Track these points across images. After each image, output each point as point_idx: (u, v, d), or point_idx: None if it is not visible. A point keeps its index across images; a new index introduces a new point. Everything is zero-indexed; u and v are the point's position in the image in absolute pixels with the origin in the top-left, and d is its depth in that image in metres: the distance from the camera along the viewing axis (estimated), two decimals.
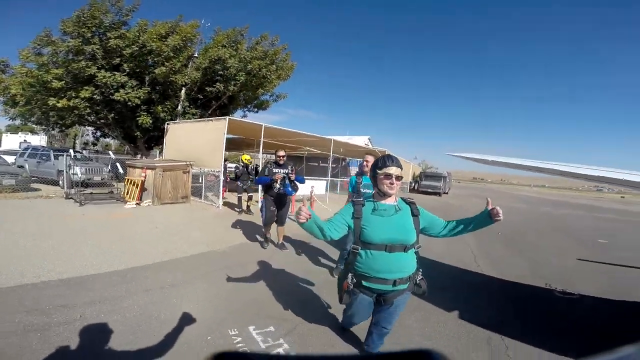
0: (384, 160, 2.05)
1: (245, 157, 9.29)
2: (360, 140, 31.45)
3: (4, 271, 3.56)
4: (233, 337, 2.63)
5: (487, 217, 2.00)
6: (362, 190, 4.01)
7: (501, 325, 3.11)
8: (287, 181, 5.17)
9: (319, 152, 16.32)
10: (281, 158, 5.26)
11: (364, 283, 2.05)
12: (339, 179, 17.36)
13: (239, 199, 8.96)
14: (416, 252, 2.09)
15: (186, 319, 2.84)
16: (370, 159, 3.93)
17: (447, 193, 28.00)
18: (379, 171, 2.05)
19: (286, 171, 5.20)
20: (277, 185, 5.10)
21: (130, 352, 2.32)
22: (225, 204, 9.91)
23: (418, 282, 2.10)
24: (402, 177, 2.03)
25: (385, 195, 2.05)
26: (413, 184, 28.86)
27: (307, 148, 16.23)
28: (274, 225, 5.48)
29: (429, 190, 25.20)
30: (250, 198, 9.08)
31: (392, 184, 2.00)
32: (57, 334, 2.44)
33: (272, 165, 5.29)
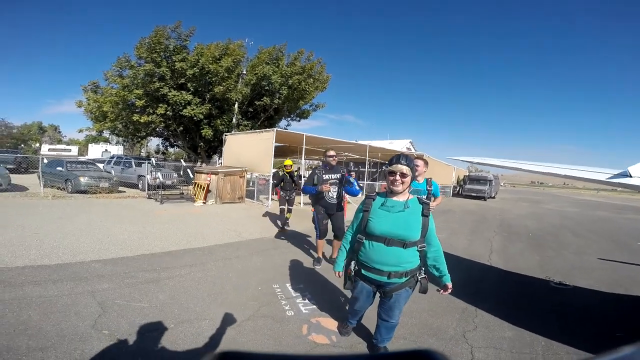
0: (392, 159, 2.15)
1: (288, 162, 7.66)
2: (402, 144, 31.90)
3: (127, 246, 5.20)
4: (275, 288, 3.85)
5: (439, 283, 2.25)
6: None
7: (480, 300, 3.83)
8: (333, 194, 4.57)
9: (358, 157, 17.42)
10: (333, 158, 4.61)
11: (362, 271, 2.20)
12: (377, 183, 18.27)
13: (282, 210, 7.56)
14: (420, 251, 2.15)
15: (245, 278, 4.15)
16: (420, 163, 3.91)
17: (493, 197, 26.71)
18: (385, 168, 2.21)
19: (337, 176, 4.61)
20: (330, 194, 4.51)
21: (211, 293, 3.60)
22: (267, 213, 11.30)
23: (420, 279, 2.20)
24: (408, 175, 2.08)
25: (392, 192, 2.14)
26: (458, 188, 28.30)
27: (346, 153, 17.40)
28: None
29: (473, 194, 24.44)
30: (289, 211, 7.56)
31: (395, 180, 2.07)
32: (166, 284, 3.80)
33: (321, 171, 4.61)
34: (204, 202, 10.53)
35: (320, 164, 4.72)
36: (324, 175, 4.54)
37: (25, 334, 2.46)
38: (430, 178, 4.32)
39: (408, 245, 2.07)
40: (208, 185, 10.75)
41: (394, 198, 2.14)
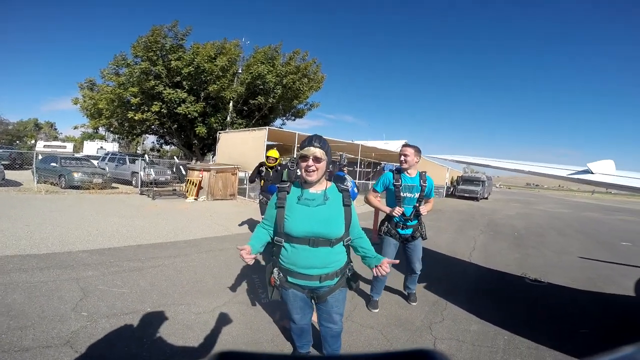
0: (303, 141, 1.80)
1: (273, 154, 5.60)
2: (397, 145, 32.05)
3: (115, 238, 5.34)
4: (254, 279, 3.98)
5: (372, 264, 1.86)
6: (402, 194, 3.18)
7: (452, 295, 3.95)
8: None
9: (352, 156, 17.58)
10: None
11: (289, 279, 1.87)
12: (371, 182, 18.43)
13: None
14: (346, 246, 1.90)
15: (227, 268, 4.31)
16: (410, 152, 3.17)
17: (486, 198, 26.95)
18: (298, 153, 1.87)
19: None
20: None
21: (191, 282, 3.77)
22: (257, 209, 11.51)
23: (350, 276, 1.93)
24: (322, 160, 1.75)
25: (306, 182, 1.80)
26: (451, 189, 28.55)
27: (339, 153, 17.56)
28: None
29: (465, 195, 24.68)
30: None
31: (308, 167, 1.74)
32: (148, 272, 3.95)
33: (294, 165, 3.86)
34: (195, 199, 10.68)
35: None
36: (297, 171, 3.86)
37: (8, 315, 2.60)
38: (425, 172, 3.41)
39: (334, 243, 1.80)
40: (200, 182, 10.90)
41: (311, 190, 1.82)
